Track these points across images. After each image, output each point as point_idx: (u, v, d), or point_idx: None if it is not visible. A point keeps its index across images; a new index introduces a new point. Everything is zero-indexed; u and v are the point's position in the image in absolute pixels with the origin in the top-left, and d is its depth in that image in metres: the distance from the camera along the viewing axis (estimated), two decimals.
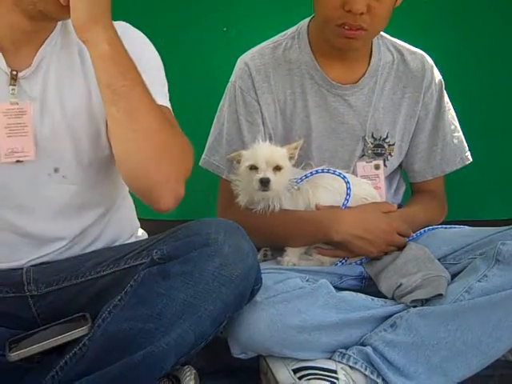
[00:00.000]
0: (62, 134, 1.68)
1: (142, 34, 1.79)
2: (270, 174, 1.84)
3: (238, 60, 2.09)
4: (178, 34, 2.67)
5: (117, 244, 1.85)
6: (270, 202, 1.90)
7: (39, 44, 1.66)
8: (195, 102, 2.66)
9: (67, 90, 1.68)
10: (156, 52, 1.79)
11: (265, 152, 1.86)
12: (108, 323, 1.57)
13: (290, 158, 1.91)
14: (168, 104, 1.76)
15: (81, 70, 1.70)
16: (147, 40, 1.79)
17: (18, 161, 1.64)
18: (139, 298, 1.56)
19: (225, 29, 2.68)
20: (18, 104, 1.63)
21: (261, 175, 1.84)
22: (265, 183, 1.83)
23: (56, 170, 1.69)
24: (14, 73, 1.63)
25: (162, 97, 1.73)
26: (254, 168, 1.86)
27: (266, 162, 1.85)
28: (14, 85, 1.64)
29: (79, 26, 1.49)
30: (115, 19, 1.58)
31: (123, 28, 1.68)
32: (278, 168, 1.86)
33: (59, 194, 1.71)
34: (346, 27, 1.87)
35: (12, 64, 1.64)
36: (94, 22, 1.48)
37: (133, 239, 1.91)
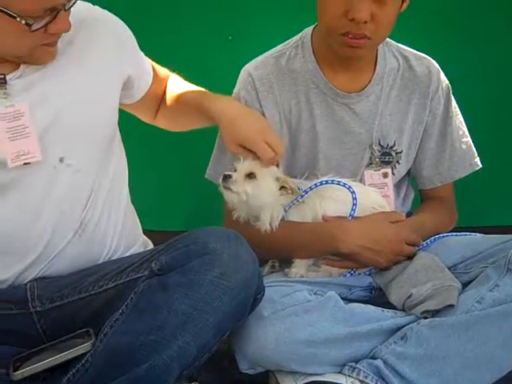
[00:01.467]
0: (63, 121, 1.68)
1: (112, 15, 1.84)
2: (237, 175, 1.83)
3: (242, 70, 2.07)
4: (182, 42, 2.65)
5: (121, 251, 1.83)
6: (262, 219, 1.88)
7: None
8: None
9: (62, 81, 1.69)
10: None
11: (251, 161, 1.84)
12: (109, 338, 1.56)
13: (282, 188, 1.88)
14: (149, 60, 1.94)
15: (70, 57, 1.71)
16: (120, 21, 1.85)
17: (25, 163, 1.64)
18: (139, 311, 1.55)
19: (230, 37, 2.66)
20: (13, 106, 1.63)
21: (228, 172, 1.84)
22: (225, 178, 1.82)
23: (61, 160, 1.68)
24: (2, 76, 1.63)
25: (145, 60, 1.93)
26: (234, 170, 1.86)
27: (243, 167, 1.83)
28: (5, 88, 1.63)
29: None
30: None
31: (101, 13, 1.80)
32: (250, 176, 1.84)
33: (62, 183, 1.69)
34: (350, 36, 1.84)
35: None
36: None
37: (138, 245, 1.90)
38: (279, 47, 2.08)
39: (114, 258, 1.81)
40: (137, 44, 1.89)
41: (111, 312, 1.61)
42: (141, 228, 1.98)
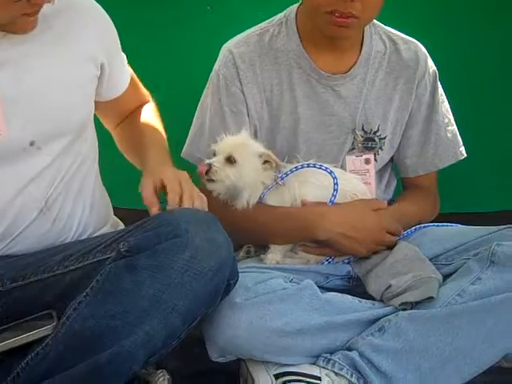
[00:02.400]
0: (35, 103, 1.62)
1: (96, 3, 1.79)
2: (217, 163, 1.76)
3: (222, 48, 2.00)
4: (156, 14, 2.56)
5: (89, 232, 1.78)
6: (240, 195, 1.82)
7: None
8: (176, 87, 2.56)
9: (37, 60, 1.64)
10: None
11: (230, 141, 1.79)
12: (72, 321, 1.49)
13: (266, 162, 1.82)
14: (131, 70, 1.90)
15: (50, 38, 1.66)
16: (103, 11, 1.81)
17: None
18: (105, 294, 1.49)
19: (208, 7, 2.58)
20: None
21: (208, 161, 1.77)
22: (207, 172, 1.76)
23: (31, 144, 1.63)
24: None
25: (128, 69, 1.90)
26: (214, 155, 1.80)
27: (222, 151, 1.77)
28: None
29: None
30: None
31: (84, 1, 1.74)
32: (231, 160, 1.77)
33: (32, 165, 1.65)
34: (337, 14, 1.78)
35: None
36: None
37: (108, 227, 1.85)
38: (262, 24, 2.01)
39: (81, 238, 1.75)
40: (119, 43, 1.84)
41: (76, 294, 1.53)
42: (112, 209, 1.92)
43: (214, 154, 1.79)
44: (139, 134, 1.90)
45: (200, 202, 1.64)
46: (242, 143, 1.80)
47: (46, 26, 1.64)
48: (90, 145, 1.81)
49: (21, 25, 1.57)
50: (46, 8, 1.58)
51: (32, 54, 1.63)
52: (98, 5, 1.78)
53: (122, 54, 1.88)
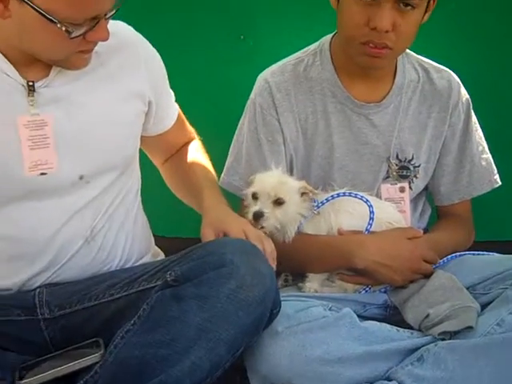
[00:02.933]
0: (86, 139, 1.67)
1: (146, 41, 1.84)
2: (266, 208, 1.77)
3: (258, 77, 2.04)
4: (192, 42, 2.62)
5: (133, 261, 1.82)
6: (284, 230, 1.84)
7: None
8: (211, 116, 2.60)
9: (90, 97, 1.68)
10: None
11: (270, 182, 1.80)
12: (120, 349, 1.52)
13: (303, 194, 1.84)
14: (177, 107, 1.96)
15: (103, 75, 1.71)
16: (153, 49, 1.85)
17: (42, 173, 1.63)
18: (152, 323, 1.52)
19: (242, 36, 2.62)
20: (39, 115, 1.63)
21: (256, 208, 1.77)
22: (257, 217, 1.77)
23: (81, 178, 1.68)
24: (31, 83, 1.61)
25: (175, 106, 1.95)
26: (255, 197, 1.80)
27: (267, 194, 1.78)
28: (33, 96, 1.62)
29: None
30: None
31: (134, 37, 1.80)
32: (279, 202, 1.79)
33: (79, 198, 1.69)
34: (371, 45, 1.81)
35: (27, 75, 1.62)
36: None
37: (149, 256, 1.88)
38: (297, 54, 2.05)
39: (125, 267, 1.78)
40: (167, 80, 1.89)
41: (122, 322, 1.57)
42: (153, 239, 1.96)
43: (255, 197, 1.80)
44: (190, 173, 1.94)
45: (268, 247, 1.69)
46: (282, 182, 1.81)
47: (99, 62, 1.69)
48: (134, 178, 1.85)
49: (75, 61, 1.62)
50: (99, 45, 1.62)
51: (84, 91, 1.67)
52: (148, 42, 1.82)
53: (170, 90, 1.92)
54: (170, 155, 2.01)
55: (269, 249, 1.68)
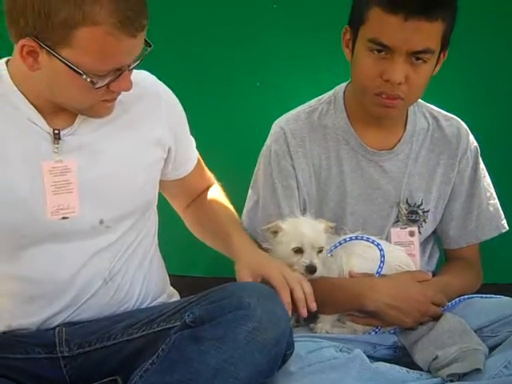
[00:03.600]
0: (107, 185, 1.72)
1: (168, 89, 1.89)
2: (315, 259, 1.83)
3: (274, 124, 2.10)
4: (209, 89, 2.71)
5: (149, 301, 1.85)
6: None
7: None
8: (229, 157, 2.68)
9: (112, 144, 1.73)
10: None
11: (309, 233, 1.84)
12: None
13: (326, 232, 1.90)
14: (197, 153, 2.00)
15: (125, 123, 1.76)
16: (175, 97, 1.90)
17: (63, 217, 1.67)
18: (170, 363, 1.55)
19: (258, 84, 2.70)
20: (62, 162, 1.68)
21: (307, 262, 1.83)
22: (311, 271, 1.83)
23: (101, 222, 1.72)
24: (57, 132, 1.67)
25: (195, 151, 1.99)
26: (298, 251, 1.85)
27: (311, 245, 1.83)
28: (58, 143, 1.67)
29: None
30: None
31: (157, 86, 1.85)
32: (320, 250, 1.86)
33: (99, 241, 1.73)
34: (384, 96, 1.87)
35: (53, 124, 1.68)
36: None
37: (164, 296, 1.91)
38: (312, 102, 2.11)
39: (142, 307, 1.82)
40: (187, 127, 1.94)
41: (140, 361, 1.61)
42: (168, 279, 1.99)
43: (300, 251, 1.84)
44: (214, 216, 2.00)
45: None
46: (316, 230, 1.87)
47: (122, 110, 1.74)
48: (152, 221, 1.89)
49: (99, 110, 1.68)
50: (122, 94, 1.68)
51: (107, 139, 1.73)
52: (170, 91, 1.88)
53: (191, 137, 1.97)
54: (190, 200, 2.06)
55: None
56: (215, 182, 2.10)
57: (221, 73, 2.71)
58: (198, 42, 2.69)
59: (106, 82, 1.58)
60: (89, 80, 1.55)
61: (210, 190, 2.07)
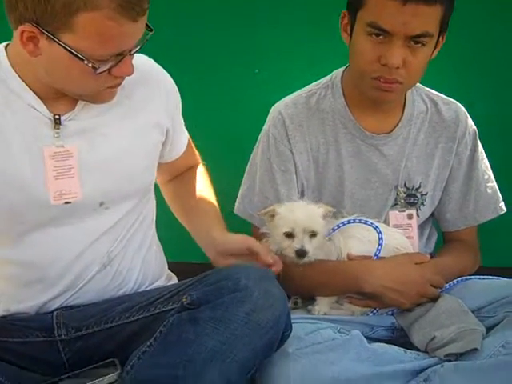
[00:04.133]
0: (107, 168, 1.72)
1: (166, 72, 1.88)
2: (306, 244, 1.82)
3: (272, 109, 2.10)
4: (207, 77, 2.71)
5: (147, 284, 1.86)
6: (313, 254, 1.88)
7: None
8: (227, 144, 2.69)
9: (113, 129, 1.73)
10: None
11: (302, 217, 1.84)
12: (137, 370, 1.56)
13: (324, 217, 1.89)
14: (187, 133, 2.00)
15: (127, 108, 1.75)
16: (172, 80, 1.90)
17: (66, 202, 1.68)
18: (168, 345, 1.56)
19: (256, 71, 2.70)
20: (63, 147, 1.67)
21: (297, 246, 1.82)
22: (301, 255, 1.82)
23: (101, 204, 1.73)
24: (57, 117, 1.67)
25: (185, 132, 2.00)
26: (290, 235, 1.84)
27: (302, 230, 1.83)
28: (59, 128, 1.67)
29: None
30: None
31: (156, 69, 1.85)
32: (313, 234, 1.85)
33: (99, 223, 1.74)
34: (382, 80, 1.87)
35: (53, 109, 1.68)
36: None
37: (162, 280, 1.92)
38: (310, 87, 2.11)
39: (140, 291, 1.83)
40: (181, 109, 1.93)
41: (138, 344, 1.62)
42: (166, 262, 2.00)
43: (291, 235, 1.84)
44: (192, 196, 2.00)
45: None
46: (311, 215, 1.86)
47: (123, 95, 1.74)
48: (150, 204, 1.90)
49: (102, 96, 1.67)
50: (124, 80, 1.67)
51: (108, 124, 1.72)
52: (167, 74, 1.87)
53: (181, 118, 1.96)
54: (174, 177, 2.06)
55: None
56: (200, 161, 2.10)
57: (219, 59, 2.71)
58: (197, 28, 2.70)
59: (108, 66, 1.57)
60: (90, 65, 1.54)
61: (195, 169, 2.07)
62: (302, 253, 1.82)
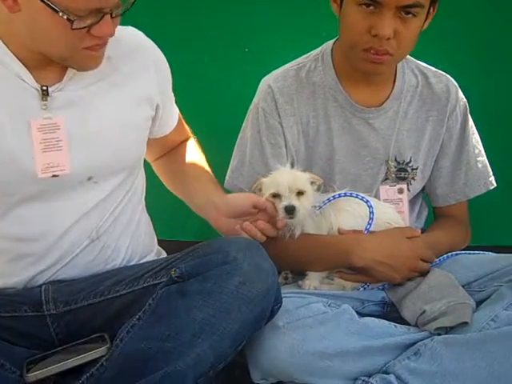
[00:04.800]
0: (97, 142, 1.70)
1: (155, 45, 1.86)
2: (294, 201, 1.81)
3: (261, 82, 2.08)
4: (198, 55, 2.68)
5: (136, 260, 1.85)
6: (292, 227, 1.88)
7: None
8: (217, 122, 2.67)
9: (102, 101, 1.71)
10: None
11: (286, 178, 1.84)
12: (126, 343, 1.56)
13: (312, 183, 1.88)
14: (177, 109, 1.98)
15: (115, 81, 1.73)
16: (161, 53, 1.88)
17: (54, 175, 1.66)
18: (157, 317, 1.56)
19: (247, 49, 2.68)
20: (51, 119, 1.65)
21: (285, 203, 1.81)
22: (290, 211, 1.81)
23: (89, 178, 1.71)
24: (45, 88, 1.64)
25: (176, 108, 1.98)
26: (276, 196, 1.84)
27: (288, 188, 1.82)
28: (46, 100, 1.65)
29: None
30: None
31: (145, 42, 1.82)
32: (300, 193, 1.83)
33: (88, 198, 1.72)
34: (372, 51, 1.85)
35: (41, 80, 1.65)
36: None
37: (152, 255, 1.91)
38: (299, 60, 2.09)
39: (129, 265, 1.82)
40: (171, 84, 1.91)
41: (127, 317, 1.61)
42: (156, 238, 1.99)
43: (276, 195, 1.83)
44: (188, 168, 1.99)
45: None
46: (296, 176, 1.85)
47: (111, 67, 1.71)
48: (139, 179, 1.88)
49: (86, 61, 1.63)
50: (112, 51, 1.66)
51: (97, 96, 1.70)
52: (157, 47, 1.85)
53: (172, 94, 1.94)
54: (165, 152, 2.05)
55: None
56: (191, 135, 2.09)
57: (209, 39, 2.68)
58: (187, 6, 2.67)
59: (86, 24, 1.52)
60: (65, 17, 1.49)
61: (187, 143, 2.06)
62: (290, 208, 1.80)
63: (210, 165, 2.03)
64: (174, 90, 1.94)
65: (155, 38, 1.86)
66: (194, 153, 2.03)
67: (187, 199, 1.98)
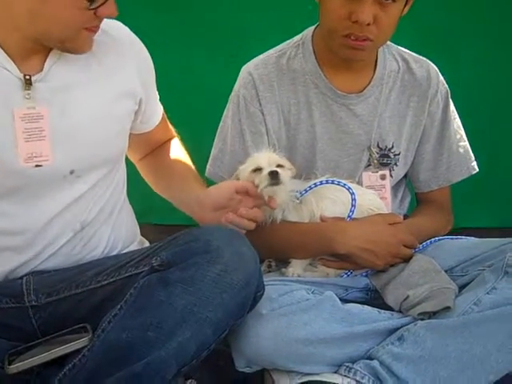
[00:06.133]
0: (79, 135, 1.69)
1: (140, 41, 1.86)
2: (276, 169, 1.81)
3: (242, 69, 2.07)
4: (185, 60, 2.71)
5: (118, 249, 1.84)
6: (273, 214, 1.88)
7: (48, 50, 1.66)
8: (200, 119, 2.64)
9: (84, 94, 1.70)
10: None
11: (264, 157, 1.85)
12: (107, 333, 1.55)
13: (289, 170, 1.88)
14: (162, 107, 1.98)
15: (98, 73, 1.73)
16: (145, 49, 1.88)
17: (37, 165, 1.65)
18: (139, 307, 1.55)
19: (233, 54, 2.68)
20: (34, 108, 1.64)
21: (268, 169, 1.80)
22: (274, 175, 1.79)
23: (71, 172, 1.70)
24: (28, 77, 1.63)
25: (160, 105, 1.97)
26: (257, 170, 1.83)
27: (268, 163, 1.82)
28: (29, 89, 1.63)
29: None
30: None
31: (129, 36, 1.82)
32: (280, 165, 1.83)
33: (70, 192, 1.71)
34: (352, 38, 1.84)
35: (24, 69, 1.63)
36: None
37: (135, 245, 1.91)
38: (280, 46, 2.08)
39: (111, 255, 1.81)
40: (155, 80, 1.91)
41: (109, 308, 1.60)
42: (138, 228, 1.98)
43: (257, 170, 1.82)
44: (172, 169, 1.98)
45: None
46: (274, 155, 1.86)
47: (95, 60, 1.71)
48: (121, 171, 1.87)
49: (82, 41, 1.63)
50: (95, 44, 1.65)
51: (80, 88, 1.69)
52: (141, 42, 1.85)
53: (156, 91, 1.94)
54: (149, 152, 2.04)
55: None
56: (175, 135, 2.08)
57: (193, 43, 2.72)
58: (176, 9, 2.69)
59: (99, 2, 1.55)
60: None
61: (170, 142, 2.05)
62: (274, 172, 1.79)
63: (190, 155, 2.02)
64: (159, 91, 1.94)
65: (142, 40, 1.86)
66: (178, 151, 2.02)
67: (172, 197, 1.97)
